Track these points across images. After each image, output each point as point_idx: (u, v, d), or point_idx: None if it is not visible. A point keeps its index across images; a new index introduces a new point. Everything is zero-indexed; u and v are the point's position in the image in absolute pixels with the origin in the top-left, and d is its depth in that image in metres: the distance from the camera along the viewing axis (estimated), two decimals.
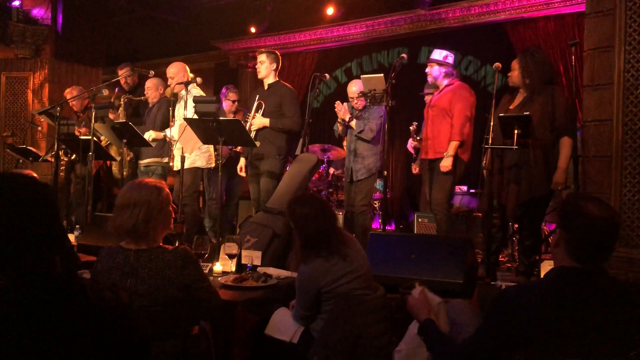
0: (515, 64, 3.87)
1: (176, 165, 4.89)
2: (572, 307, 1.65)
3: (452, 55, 4.61)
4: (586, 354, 1.61)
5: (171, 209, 2.39)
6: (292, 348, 2.57)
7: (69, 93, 6.13)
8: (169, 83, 5.16)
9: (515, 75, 3.87)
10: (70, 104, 6.15)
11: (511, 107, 3.88)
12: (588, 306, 1.66)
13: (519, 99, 3.90)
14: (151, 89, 5.50)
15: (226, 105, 5.82)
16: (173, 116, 5.04)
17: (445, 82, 4.53)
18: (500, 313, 1.75)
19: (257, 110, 4.87)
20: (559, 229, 1.79)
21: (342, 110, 5.09)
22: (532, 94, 3.77)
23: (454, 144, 4.32)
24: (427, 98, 5.27)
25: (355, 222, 5.08)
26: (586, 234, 1.71)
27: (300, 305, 2.60)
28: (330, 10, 7.64)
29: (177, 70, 5.08)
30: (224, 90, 6.00)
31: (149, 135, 5.12)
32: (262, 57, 4.92)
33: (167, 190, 2.39)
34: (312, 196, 2.92)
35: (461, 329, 2.14)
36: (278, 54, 5.02)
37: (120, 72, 6.05)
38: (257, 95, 4.98)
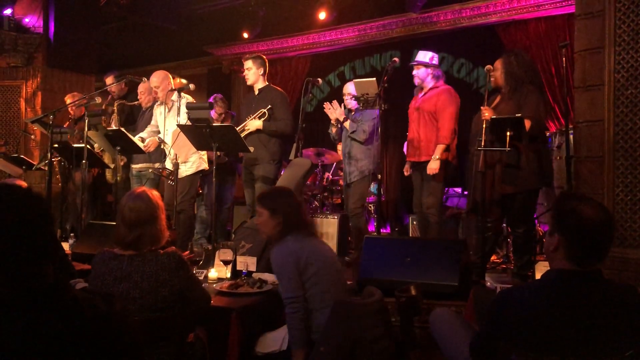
0: (498, 64, 3.84)
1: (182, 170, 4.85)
2: (569, 310, 1.70)
3: (437, 55, 4.63)
4: (583, 354, 1.65)
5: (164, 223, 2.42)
6: (287, 355, 2.57)
7: (70, 98, 6.09)
8: (153, 91, 5.09)
9: (498, 75, 3.84)
10: (70, 110, 6.12)
11: (492, 107, 3.86)
12: (585, 308, 1.70)
13: (497, 99, 3.90)
14: (144, 94, 5.47)
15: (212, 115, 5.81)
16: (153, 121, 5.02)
17: (431, 84, 4.55)
18: (498, 315, 1.81)
19: (257, 116, 4.85)
20: (557, 233, 1.81)
21: (337, 110, 5.06)
22: (510, 95, 3.75)
23: (441, 147, 4.38)
24: None
25: (349, 225, 5.08)
26: (584, 238, 1.75)
27: (286, 288, 2.63)
28: (322, 15, 7.64)
29: (160, 79, 4.98)
30: (211, 100, 5.98)
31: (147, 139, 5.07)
32: (249, 64, 4.91)
33: (162, 203, 2.44)
34: (281, 187, 3.11)
35: (444, 335, 2.22)
36: (264, 58, 5.01)
37: (106, 80, 6.02)
38: (251, 102, 4.99)
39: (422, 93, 4.62)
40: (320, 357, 2.38)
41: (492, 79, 3.88)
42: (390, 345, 2.56)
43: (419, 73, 4.59)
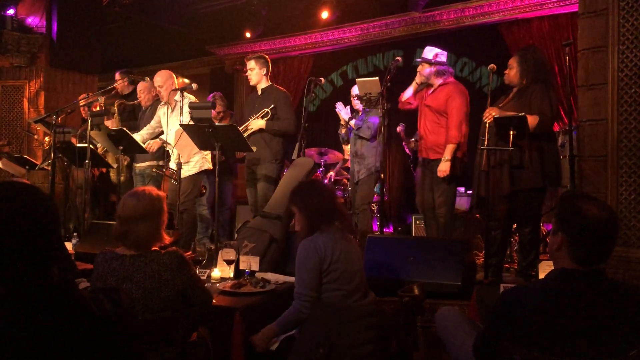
0: (513, 62, 3.78)
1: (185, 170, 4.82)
2: (573, 309, 1.69)
3: (445, 53, 4.51)
4: (586, 354, 1.65)
5: (165, 219, 2.42)
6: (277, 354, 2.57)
7: (84, 99, 6.11)
8: (157, 91, 5.07)
9: (512, 73, 3.78)
10: (82, 111, 6.14)
11: (500, 105, 3.80)
12: (589, 308, 1.69)
13: (507, 98, 3.84)
14: (143, 92, 5.46)
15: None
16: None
17: (439, 80, 4.48)
18: (502, 315, 1.81)
19: (260, 116, 4.85)
20: (560, 232, 1.80)
21: (342, 110, 5.15)
22: (519, 94, 3.71)
23: (450, 147, 4.25)
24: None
25: (355, 222, 5.09)
26: (588, 237, 1.74)
27: (300, 283, 2.56)
28: (325, 14, 7.64)
29: (164, 79, 4.95)
30: (209, 98, 5.97)
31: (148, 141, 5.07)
32: (251, 64, 4.91)
33: (164, 197, 2.43)
34: (316, 180, 2.99)
35: (450, 334, 2.20)
36: (267, 57, 5.00)
37: (117, 78, 6.04)
38: (254, 102, 4.99)
39: (431, 90, 4.54)
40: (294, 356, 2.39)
41: (505, 77, 3.84)
42: (379, 349, 2.56)
43: (422, 71, 4.52)
